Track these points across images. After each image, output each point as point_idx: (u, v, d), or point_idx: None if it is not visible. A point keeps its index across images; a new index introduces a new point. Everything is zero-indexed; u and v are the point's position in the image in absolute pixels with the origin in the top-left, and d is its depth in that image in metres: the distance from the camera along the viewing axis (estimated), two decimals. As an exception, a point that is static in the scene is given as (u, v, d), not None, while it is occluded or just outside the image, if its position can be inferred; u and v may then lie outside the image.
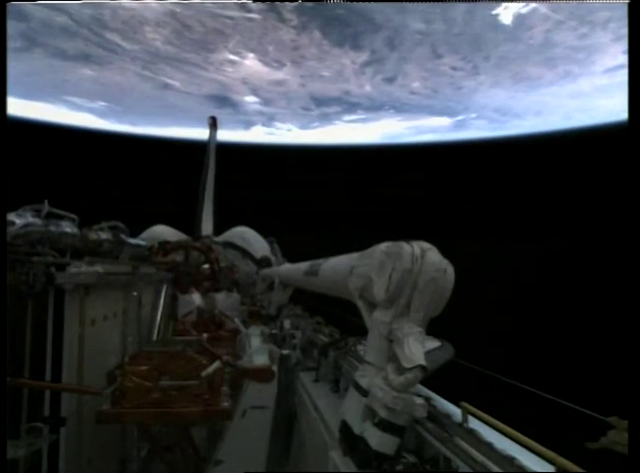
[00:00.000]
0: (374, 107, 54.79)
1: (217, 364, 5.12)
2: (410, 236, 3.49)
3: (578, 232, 34.13)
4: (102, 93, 51.34)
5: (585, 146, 39.37)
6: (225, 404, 4.85)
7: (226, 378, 5.23)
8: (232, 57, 46.81)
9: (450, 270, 3.26)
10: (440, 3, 43.18)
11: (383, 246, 3.52)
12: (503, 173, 42.63)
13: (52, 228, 5.42)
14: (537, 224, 37.98)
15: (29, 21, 39.79)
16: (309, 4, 40.64)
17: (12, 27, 39.44)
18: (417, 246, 3.29)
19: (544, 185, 40.50)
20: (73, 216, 5.98)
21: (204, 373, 4.86)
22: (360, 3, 41.17)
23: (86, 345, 5.48)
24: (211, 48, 46.05)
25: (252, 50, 46.39)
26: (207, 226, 19.66)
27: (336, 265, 4.86)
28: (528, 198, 40.78)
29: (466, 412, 3.05)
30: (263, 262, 16.60)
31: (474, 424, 2.99)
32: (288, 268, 11.21)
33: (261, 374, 5.82)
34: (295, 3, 40.44)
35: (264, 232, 19.10)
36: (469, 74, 48.11)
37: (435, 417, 3.17)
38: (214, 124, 23.23)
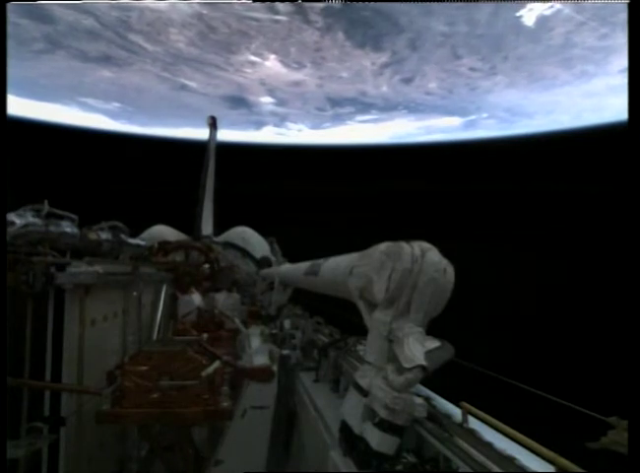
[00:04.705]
0: (388, 108, 54.88)
1: (217, 364, 5.12)
2: (411, 236, 3.49)
3: (580, 231, 34.15)
4: (118, 94, 51.78)
5: (591, 145, 39.37)
6: (225, 404, 4.86)
7: (226, 378, 5.24)
8: (253, 58, 47.01)
9: (450, 270, 3.26)
10: (465, 5, 43.37)
11: (383, 246, 3.52)
12: (505, 173, 42.64)
13: (52, 228, 5.43)
14: (538, 223, 38.01)
15: (55, 23, 40.00)
16: (337, 6, 41.09)
17: (37, 29, 39.88)
18: (417, 246, 3.29)
19: (547, 184, 40.52)
20: (73, 216, 5.98)
21: (204, 373, 4.86)
22: (386, 4, 41.26)
23: (86, 345, 5.48)
24: (233, 50, 46.35)
25: (274, 52, 46.60)
26: (207, 226, 19.67)
27: (336, 265, 4.87)
28: (528, 198, 40.81)
29: (466, 412, 3.06)
30: (263, 262, 16.59)
31: (474, 424, 2.99)
32: (288, 268, 11.21)
33: (261, 374, 5.83)
34: (321, 4, 40.61)
35: (265, 232, 19.11)
36: (486, 75, 48.18)
37: (435, 417, 3.17)
38: (214, 124, 23.21)
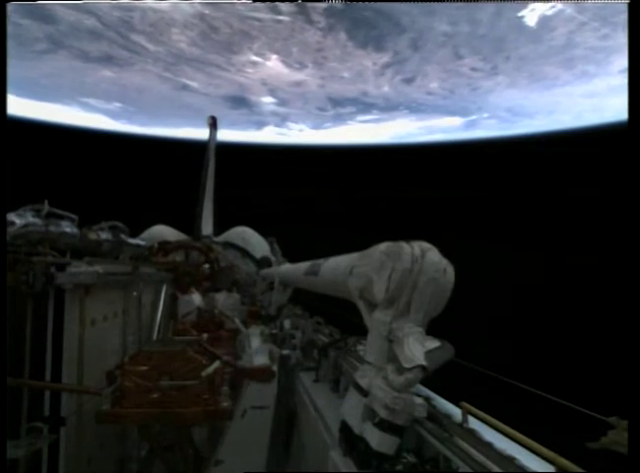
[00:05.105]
0: (389, 108, 54.96)
1: (217, 364, 5.12)
2: (412, 236, 3.49)
3: (580, 232, 34.15)
4: (120, 94, 51.89)
5: (591, 145, 39.37)
6: (225, 404, 4.85)
7: (226, 378, 5.23)
8: (255, 58, 47.14)
9: (450, 270, 3.26)
10: (467, 5, 43.47)
11: (383, 246, 3.52)
12: (506, 173, 42.66)
13: (52, 228, 5.42)
14: (537, 223, 38.01)
15: (57, 24, 40.10)
16: (339, 6, 41.35)
17: (39, 29, 39.97)
18: (417, 246, 3.30)
19: (547, 184, 40.52)
20: (73, 216, 5.98)
21: (204, 373, 4.86)
22: (388, 4, 41.39)
23: (86, 345, 5.48)
24: (235, 50, 46.48)
25: (276, 52, 46.73)
26: (207, 226, 19.67)
27: (336, 265, 4.87)
28: (529, 197, 40.81)
29: (466, 412, 3.06)
30: (263, 262, 16.59)
31: (474, 424, 2.99)
32: (288, 268, 11.22)
33: (261, 374, 5.82)
34: (324, 4, 40.84)
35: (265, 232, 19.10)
36: (487, 75, 48.29)
37: (435, 417, 3.17)
38: (214, 124, 23.21)
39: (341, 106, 54.92)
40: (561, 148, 41.31)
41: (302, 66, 48.86)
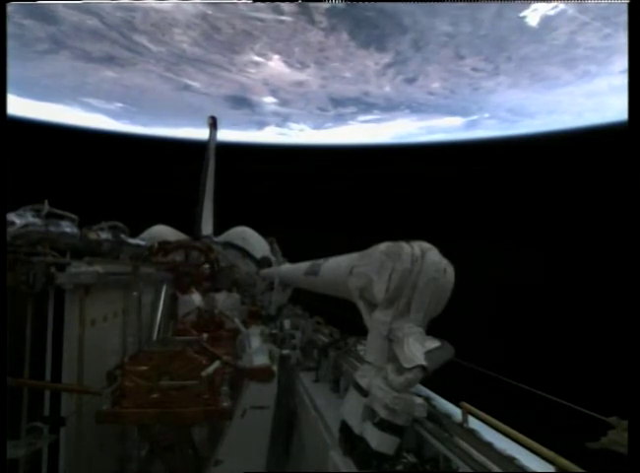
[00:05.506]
0: (390, 108, 55.01)
1: (217, 364, 5.12)
2: (412, 235, 3.49)
3: (579, 233, 34.13)
4: (121, 94, 51.92)
5: (592, 144, 39.34)
6: (225, 404, 4.85)
7: (226, 378, 5.23)
8: (257, 59, 47.23)
9: (450, 270, 3.26)
10: (469, 5, 43.48)
11: (383, 246, 3.52)
12: (506, 172, 42.67)
13: (52, 228, 5.43)
14: (535, 223, 38.01)
15: (59, 24, 40.19)
16: (341, 5, 41.53)
17: (41, 29, 40.11)
18: (417, 246, 3.30)
19: (548, 184, 40.52)
20: (73, 216, 5.98)
21: (204, 373, 4.86)
22: (390, 4, 41.40)
23: (86, 345, 5.48)
24: (237, 50, 46.58)
25: (278, 52, 46.81)
26: (207, 226, 19.67)
27: (336, 265, 4.86)
28: (529, 197, 40.80)
29: (466, 412, 3.06)
30: (263, 262, 16.58)
31: (474, 424, 2.99)
32: (288, 268, 11.22)
33: (261, 374, 5.82)
34: (326, 4, 41.03)
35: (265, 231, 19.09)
36: (489, 75, 48.37)
37: (435, 417, 3.17)
38: (214, 124, 23.21)
39: (342, 106, 55.01)
40: (562, 148, 41.33)
41: (304, 66, 48.96)
